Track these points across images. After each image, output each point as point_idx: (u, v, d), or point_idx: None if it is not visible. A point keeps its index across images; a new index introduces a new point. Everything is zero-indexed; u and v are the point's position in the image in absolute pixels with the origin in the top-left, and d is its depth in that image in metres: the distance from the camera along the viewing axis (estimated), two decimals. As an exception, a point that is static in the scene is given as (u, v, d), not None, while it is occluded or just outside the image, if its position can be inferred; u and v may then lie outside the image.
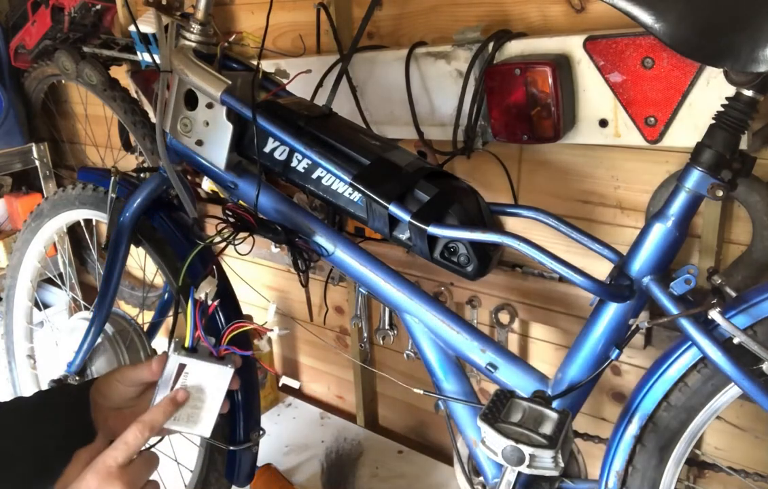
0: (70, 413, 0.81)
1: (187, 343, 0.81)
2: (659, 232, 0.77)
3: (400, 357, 1.53)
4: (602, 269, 0.87)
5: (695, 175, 0.74)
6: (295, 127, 0.90)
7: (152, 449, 0.80)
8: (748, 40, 0.64)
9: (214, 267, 0.91)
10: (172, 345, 0.82)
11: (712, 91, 0.90)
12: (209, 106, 0.91)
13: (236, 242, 0.89)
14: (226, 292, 1.02)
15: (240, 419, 1.00)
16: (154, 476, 0.76)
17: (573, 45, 1.00)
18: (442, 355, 0.92)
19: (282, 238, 0.92)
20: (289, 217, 0.94)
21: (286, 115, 0.91)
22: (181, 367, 0.79)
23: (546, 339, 1.33)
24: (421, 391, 0.93)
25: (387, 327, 1.49)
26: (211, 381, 0.80)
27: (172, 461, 1.17)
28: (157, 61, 0.97)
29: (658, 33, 0.68)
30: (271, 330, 0.77)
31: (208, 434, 0.81)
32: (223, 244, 0.89)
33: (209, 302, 0.82)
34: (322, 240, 0.93)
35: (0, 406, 0.81)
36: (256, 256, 1.49)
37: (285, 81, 1.00)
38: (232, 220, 0.88)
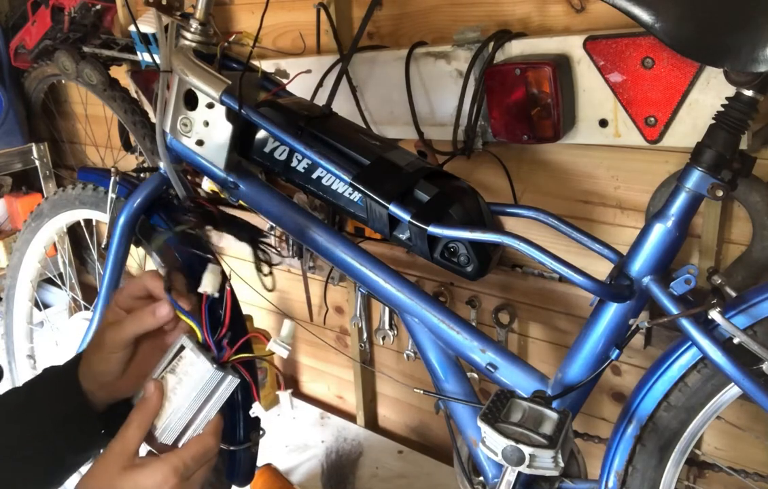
0: (58, 403, 0.74)
1: (200, 339, 0.72)
2: (659, 232, 0.77)
3: (400, 357, 1.53)
4: (602, 269, 0.87)
5: (695, 175, 0.74)
6: (295, 127, 0.90)
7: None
8: (748, 40, 0.64)
9: (215, 254, 0.87)
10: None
11: (712, 91, 0.90)
12: (209, 106, 0.90)
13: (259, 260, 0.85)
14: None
15: (240, 419, 0.99)
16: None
17: (573, 45, 1.00)
18: (442, 355, 0.92)
19: (245, 236, 0.90)
20: (289, 216, 0.94)
21: (286, 115, 0.91)
22: (181, 348, 0.71)
23: (546, 339, 1.33)
24: (421, 391, 0.93)
25: (387, 327, 1.49)
26: (198, 382, 0.69)
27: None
28: (157, 61, 0.97)
29: (658, 33, 0.68)
30: (275, 341, 0.73)
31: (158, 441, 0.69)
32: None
33: (215, 294, 0.73)
34: (321, 240, 0.93)
35: None
36: (256, 256, 1.49)
37: (285, 81, 1.00)
38: (197, 211, 0.85)
